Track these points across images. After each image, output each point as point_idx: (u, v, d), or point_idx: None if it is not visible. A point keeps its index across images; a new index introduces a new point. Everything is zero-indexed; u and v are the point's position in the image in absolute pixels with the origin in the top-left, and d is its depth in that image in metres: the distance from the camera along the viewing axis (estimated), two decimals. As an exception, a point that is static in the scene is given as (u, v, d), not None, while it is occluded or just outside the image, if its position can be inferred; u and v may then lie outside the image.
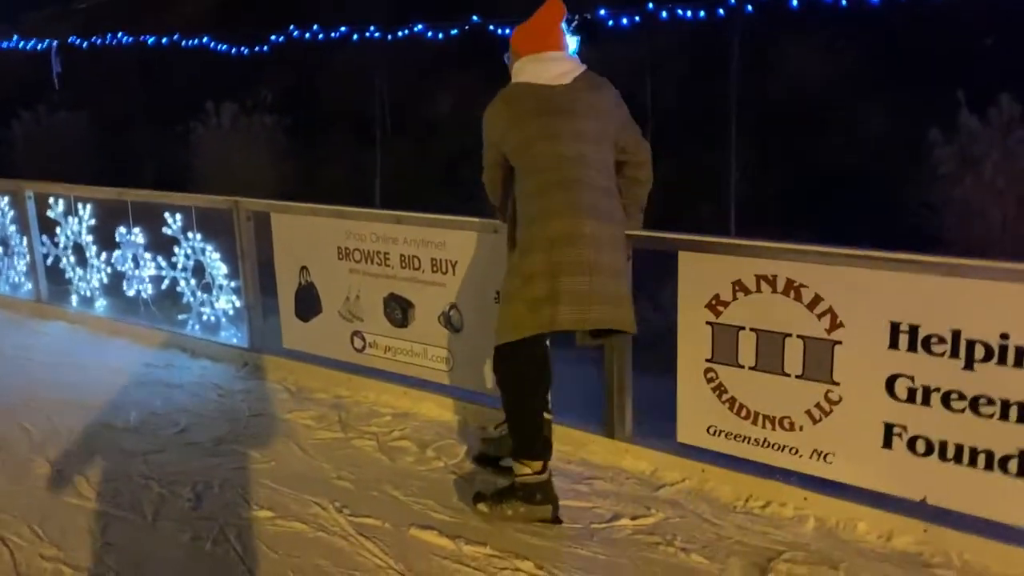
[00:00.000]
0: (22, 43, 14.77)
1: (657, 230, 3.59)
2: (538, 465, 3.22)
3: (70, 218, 6.07)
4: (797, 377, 3.24)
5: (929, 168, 7.41)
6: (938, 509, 3.02)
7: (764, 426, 3.35)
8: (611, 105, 3.28)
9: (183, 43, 13.14)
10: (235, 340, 5.25)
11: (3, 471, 3.84)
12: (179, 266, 5.46)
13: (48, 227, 6.25)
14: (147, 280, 5.70)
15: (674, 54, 9.89)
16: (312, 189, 9.69)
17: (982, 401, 2.89)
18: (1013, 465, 2.87)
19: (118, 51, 14.05)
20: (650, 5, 9.07)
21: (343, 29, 11.50)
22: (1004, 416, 2.85)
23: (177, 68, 13.44)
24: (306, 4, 12.37)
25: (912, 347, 2.98)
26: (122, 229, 5.74)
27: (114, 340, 5.71)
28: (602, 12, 9.13)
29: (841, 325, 3.11)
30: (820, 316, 3.15)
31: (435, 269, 4.20)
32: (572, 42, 3.47)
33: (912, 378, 3.00)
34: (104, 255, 5.95)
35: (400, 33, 10.99)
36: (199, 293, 5.42)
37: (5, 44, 14.94)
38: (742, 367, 3.36)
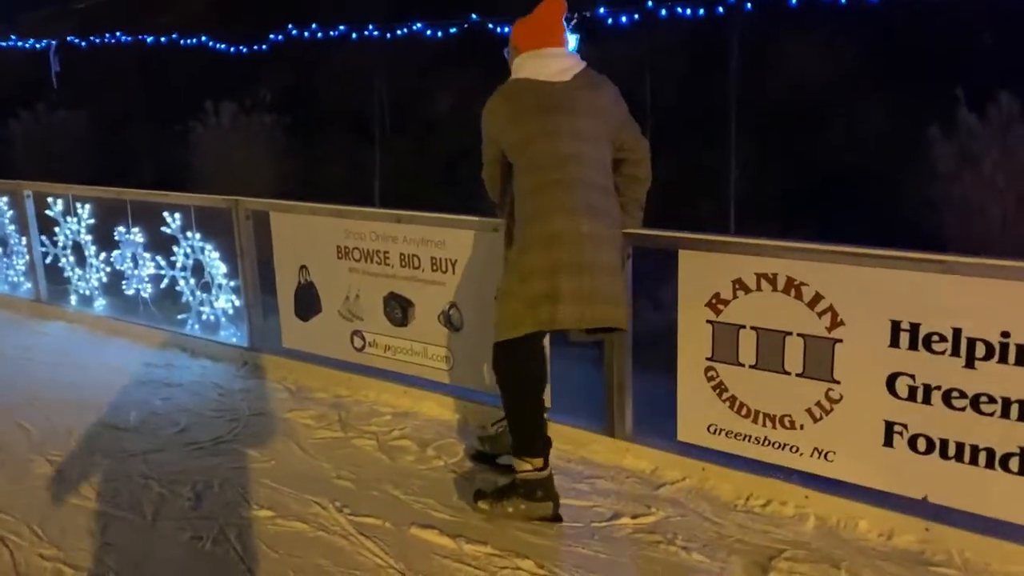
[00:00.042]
0: (20, 42, 14.76)
1: (657, 228, 3.58)
2: (539, 462, 3.22)
3: (69, 217, 6.07)
4: (798, 375, 3.23)
5: (928, 166, 7.41)
6: (939, 507, 3.01)
7: (765, 424, 3.35)
8: (610, 103, 3.28)
9: (182, 42, 13.13)
10: (235, 339, 5.24)
11: (3, 471, 3.84)
12: (178, 265, 5.45)
13: (47, 226, 6.24)
14: (146, 279, 5.69)
15: (673, 52, 9.88)
16: (311, 188, 9.69)
17: (983, 399, 2.88)
18: (1014, 463, 2.86)
19: (117, 50, 14.04)
20: (649, 3, 9.07)
21: (342, 28, 11.49)
22: (1005, 414, 2.85)
23: (176, 67, 13.44)
24: (305, 3, 12.36)
25: (913, 345, 2.98)
26: (121, 228, 5.73)
27: (113, 340, 5.70)
28: (601, 10, 9.12)
29: (842, 323, 3.11)
30: (820, 314, 3.15)
31: (435, 268, 4.19)
32: (571, 40, 3.47)
33: (913, 376, 3.00)
34: (103, 254, 5.95)
35: (399, 32, 10.98)
36: (198, 292, 5.42)
37: (3, 44, 14.92)
38: (742, 366, 3.36)
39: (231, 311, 5.28)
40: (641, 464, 3.64)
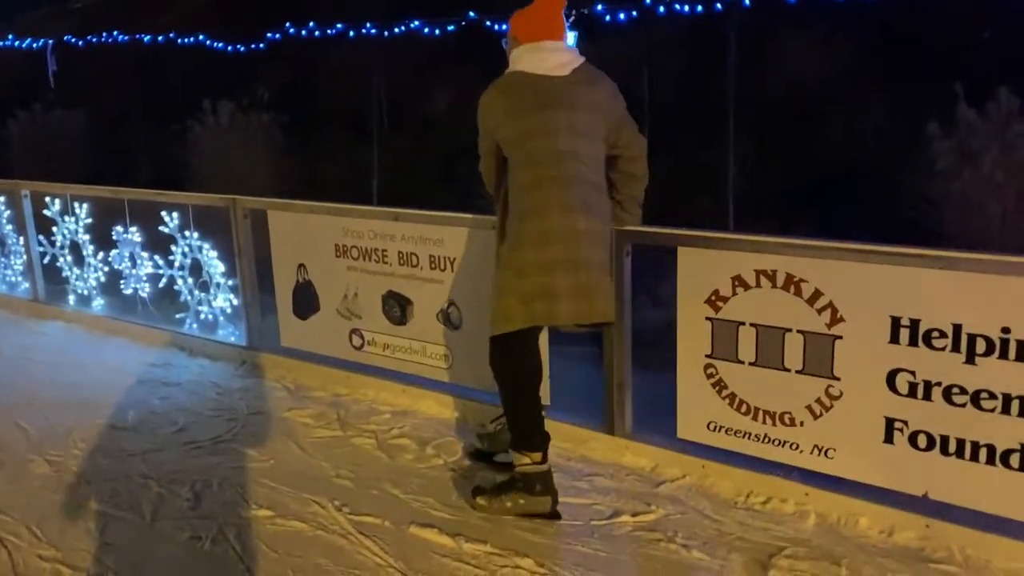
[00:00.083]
0: (18, 42, 14.73)
1: (656, 225, 3.58)
2: (538, 456, 3.23)
3: (67, 217, 6.05)
4: (797, 372, 3.23)
5: (927, 162, 7.39)
6: (940, 504, 3.01)
7: (764, 422, 3.34)
8: (607, 100, 3.28)
9: (179, 41, 13.11)
10: (233, 338, 5.24)
11: (1, 471, 3.83)
12: (176, 264, 5.44)
13: (45, 226, 6.23)
14: (144, 279, 5.68)
15: (672, 49, 9.86)
16: (310, 186, 9.67)
17: (983, 395, 2.88)
18: (1015, 459, 2.86)
19: (114, 49, 14.01)
20: (647, 0, 9.05)
21: (340, 26, 11.47)
22: (1006, 410, 2.84)
23: (173, 66, 13.41)
24: (303, 2, 12.34)
25: (913, 341, 2.97)
26: (119, 228, 5.72)
27: (112, 339, 5.70)
28: (599, 7, 9.11)
29: (841, 320, 3.10)
30: (820, 311, 3.14)
31: (433, 266, 4.18)
32: (570, 37, 3.46)
33: (913, 373, 2.99)
34: (101, 254, 5.94)
35: (397, 30, 10.97)
36: (197, 291, 5.40)
37: (1, 43, 14.90)
38: (742, 363, 3.35)
39: (229, 310, 5.27)
40: (641, 462, 3.64)
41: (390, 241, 4.32)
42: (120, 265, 5.81)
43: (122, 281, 5.81)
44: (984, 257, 2.87)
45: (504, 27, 3.44)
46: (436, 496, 3.45)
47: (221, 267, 5.23)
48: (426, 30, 10.75)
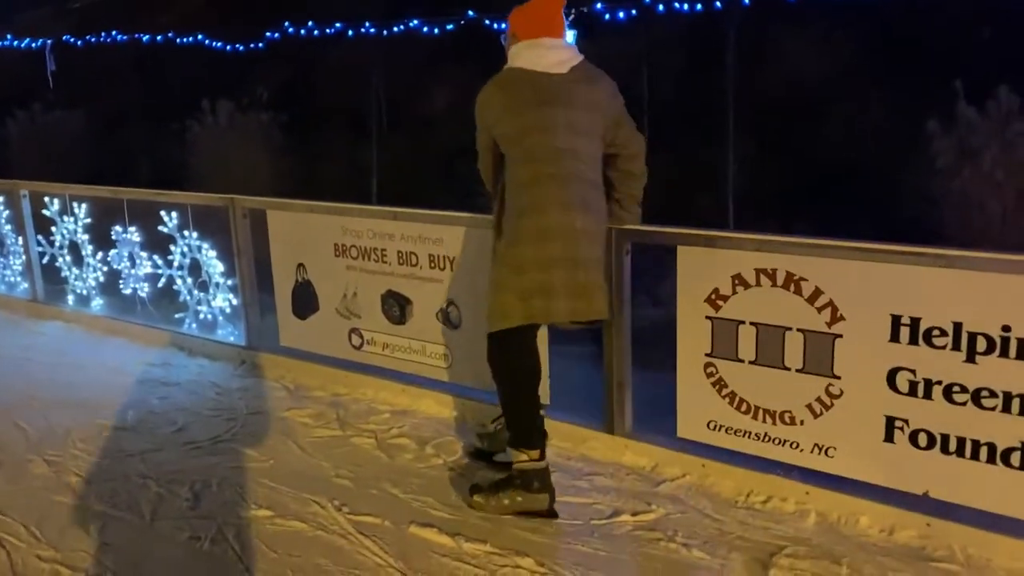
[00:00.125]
0: (17, 42, 14.72)
1: (655, 224, 3.57)
2: (536, 453, 3.23)
3: (66, 217, 6.05)
4: (798, 371, 3.22)
5: (927, 160, 7.39)
6: (941, 503, 3.01)
7: (765, 420, 3.33)
8: (606, 98, 3.27)
9: (178, 41, 13.09)
10: (232, 338, 5.23)
11: (0, 471, 3.82)
12: (175, 264, 5.43)
13: (44, 226, 6.23)
14: (143, 279, 5.68)
15: (671, 47, 9.85)
16: (309, 186, 9.66)
17: (984, 394, 2.87)
18: (1016, 458, 2.85)
19: (113, 49, 14.00)
20: (647, -2, 9.05)
21: (338, 25, 11.45)
22: (1006, 409, 2.84)
23: (172, 66, 13.39)
24: (301, 0, 12.32)
25: (913, 340, 2.97)
26: (118, 228, 5.71)
27: (111, 339, 5.69)
28: (599, 6, 9.09)
29: (842, 318, 3.09)
30: (820, 309, 3.13)
31: (432, 265, 4.18)
32: (569, 36, 3.45)
33: (913, 371, 2.99)
34: (100, 254, 5.93)
35: (396, 29, 10.95)
36: (196, 291, 5.40)
37: (0, 44, 14.89)
38: (742, 361, 3.35)
39: (228, 310, 5.26)
40: (641, 461, 3.63)
41: (389, 240, 4.31)
42: (119, 265, 5.80)
43: (121, 281, 5.80)
44: (984, 255, 2.86)
45: (503, 25, 3.43)
46: (436, 496, 3.44)
47: (220, 267, 5.22)
48: (425, 29, 10.74)
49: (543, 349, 3.68)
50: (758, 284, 3.26)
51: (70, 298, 6.22)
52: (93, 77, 14.07)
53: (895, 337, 3.00)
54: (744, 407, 3.38)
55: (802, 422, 3.25)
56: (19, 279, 6.55)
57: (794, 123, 8.79)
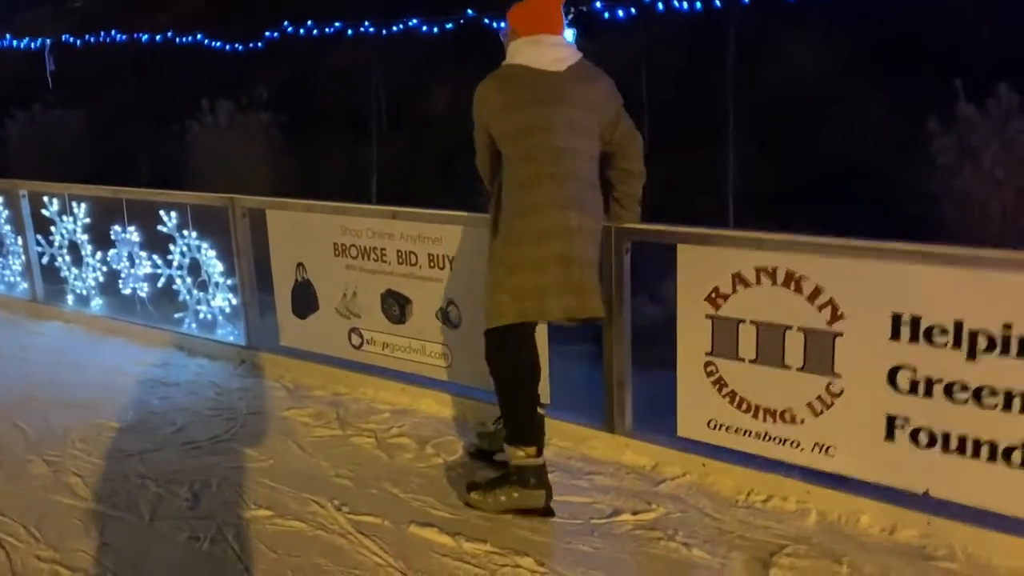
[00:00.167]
0: (16, 42, 14.71)
1: (655, 223, 3.56)
2: (532, 450, 3.23)
3: (65, 217, 6.04)
4: (798, 370, 3.22)
5: (928, 158, 7.38)
6: (941, 501, 3.00)
7: (765, 419, 3.33)
8: (604, 97, 3.27)
9: (177, 40, 13.08)
10: (232, 338, 5.22)
11: (-1, 472, 3.82)
12: (175, 264, 5.42)
13: (43, 226, 6.22)
14: (143, 278, 5.67)
15: (671, 46, 9.85)
16: (308, 185, 9.65)
17: (985, 392, 2.87)
18: (1017, 456, 2.84)
19: (112, 49, 13.99)
20: (646, -3, 9.04)
21: (338, 24, 11.44)
22: (1007, 407, 2.83)
23: (172, 66, 13.39)
24: (301, 0, 12.31)
25: (914, 338, 2.96)
26: (117, 227, 5.71)
27: (110, 339, 5.68)
28: (598, 4, 9.09)
29: (842, 317, 3.09)
30: (821, 308, 3.13)
31: (432, 264, 4.17)
32: (569, 35, 3.44)
33: (914, 369, 2.98)
34: (99, 254, 5.92)
35: (395, 28, 10.95)
36: (195, 291, 5.39)
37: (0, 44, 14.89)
38: (742, 360, 3.34)
39: (228, 309, 5.26)
40: (641, 460, 3.63)
41: (389, 240, 4.31)
42: (118, 265, 5.79)
43: (121, 281, 5.80)
44: (985, 253, 2.86)
45: (503, 24, 3.42)
46: (436, 495, 3.44)
47: (220, 266, 5.22)
48: (424, 28, 10.73)
49: (543, 348, 3.68)
50: (758, 283, 3.26)
51: (69, 298, 6.22)
52: (93, 77, 14.06)
53: (896, 335, 2.99)
54: (744, 406, 3.37)
55: (802, 421, 3.24)
56: (18, 279, 6.54)
57: (794, 122, 8.78)
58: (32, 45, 14.56)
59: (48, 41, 14.35)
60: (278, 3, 12.34)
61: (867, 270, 3.02)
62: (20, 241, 6.35)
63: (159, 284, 5.58)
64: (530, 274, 3.12)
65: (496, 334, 3.24)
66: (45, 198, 6.11)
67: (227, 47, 12.73)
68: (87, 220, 5.94)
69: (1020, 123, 7.10)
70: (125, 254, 5.74)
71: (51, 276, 6.34)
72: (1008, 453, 2.86)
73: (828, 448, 3.21)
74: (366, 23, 11.12)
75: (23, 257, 6.37)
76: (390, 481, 3.57)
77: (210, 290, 5.30)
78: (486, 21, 9.59)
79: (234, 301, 5.19)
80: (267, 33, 12.13)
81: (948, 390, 2.93)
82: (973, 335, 2.86)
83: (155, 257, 5.57)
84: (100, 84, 14.01)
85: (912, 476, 3.04)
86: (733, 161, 8.68)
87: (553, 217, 3.11)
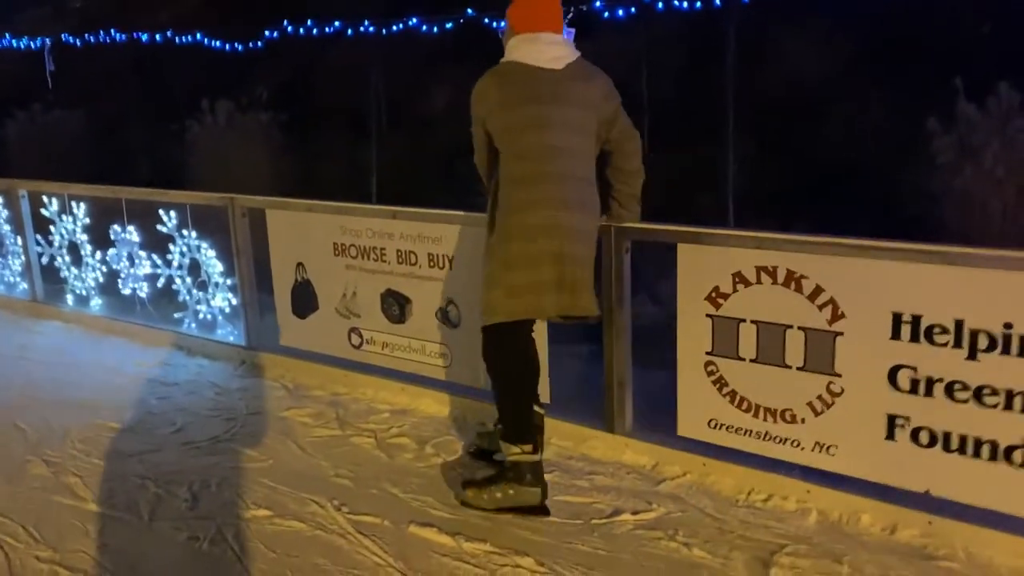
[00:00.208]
0: (15, 42, 14.71)
1: (656, 222, 3.56)
2: (528, 447, 3.22)
3: (64, 217, 6.04)
4: (798, 369, 3.21)
5: (928, 158, 7.38)
6: (942, 501, 3.00)
7: (765, 419, 3.32)
8: (602, 96, 3.26)
9: (177, 40, 13.08)
10: (232, 338, 5.22)
11: (-2, 472, 3.82)
12: (175, 264, 5.42)
13: (43, 226, 6.22)
14: (143, 278, 5.67)
15: (671, 45, 9.84)
16: (308, 185, 9.65)
17: (986, 391, 2.86)
18: (1018, 455, 2.84)
19: (112, 49, 13.99)
20: (646, -3, 9.04)
21: (338, 24, 11.44)
22: (1008, 406, 2.83)
23: (171, 66, 13.39)
24: (300, 0, 12.31)
25: (914, 337, 2.96)
26: (117, 227, 5.70)
27: (110, 339, 5.68)
28: (598, 3, 9.08)
29: (842, 316, 3.08)
30: (821, 307, 3.12)
31: (432, 264, 4.17)
32: (570, 34, 3.43)
33: (915, 369, 2.98)
34: (99, 254, 5.92)
35: (395, 28, 10.94)
36: (195, 291, 5.39)
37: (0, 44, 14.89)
38: (743, 359, 3.33)
39: (228, 309, 5.25)
40: (641, 460, 3.62)
41: (388, 239, 4.30)
42: (118, 265, 5.79)
43: (120, 281, 5.79)
44: (986, 252, 2.85)
45: (502, 24, 3.42)
46: (436, 495, 3.43)
47: (219, 266, 5.21)
48: (424, 28, 10.72)
49: (543, 348, 3.68)
50: (759, 282, 3.25)
51: (69, 298, 6.21)
52: (92, 77, 14.06)
53: (896, 335, 2.99)
54: (745, 405, 3.36)
55: (803, 420, 3.24)
56: (18, 279, 6.54)
57: (794, 122, 8.78)
58: (32, 45, 14.55)
59: (48, 41, 14.34)
60: (278, 3, 12.34)
61: (867, 269, 3.01)
62: (20, 241, 6.34)
63: (159, 284, 5.57)
64: (524, 271, 3.13)
65: (491, 330, 3.25)
66: (45, 198, 6.10)
67: (227, 47, 12.73)
68: (87, 220, 5.94)
69: (1020, 122, 7.10)
70: (125, 254, 5.73)
71: (51, 276, 6.34)
72: (1009, 452, 2.85)
73: (829, 447, 3.20)
74: (366, 23, 11.12)
75: (23, 257, 6.37)
76: (390, 481, 3.57)
77: (210, 290, 5.29)
78: (486, 21, 9.58)
79: (234, 301, 5.19)
80: (267, 33, 12.13)
81: (949, 389, 2.93)
82: (974, 334, 2.85)
83: (155, 257, 5.57)
84: (100, 84, 14.00)
85: (913, 475, 3.04)
86: (733, 160, 8.68)
87: (547, 215, 3.11)
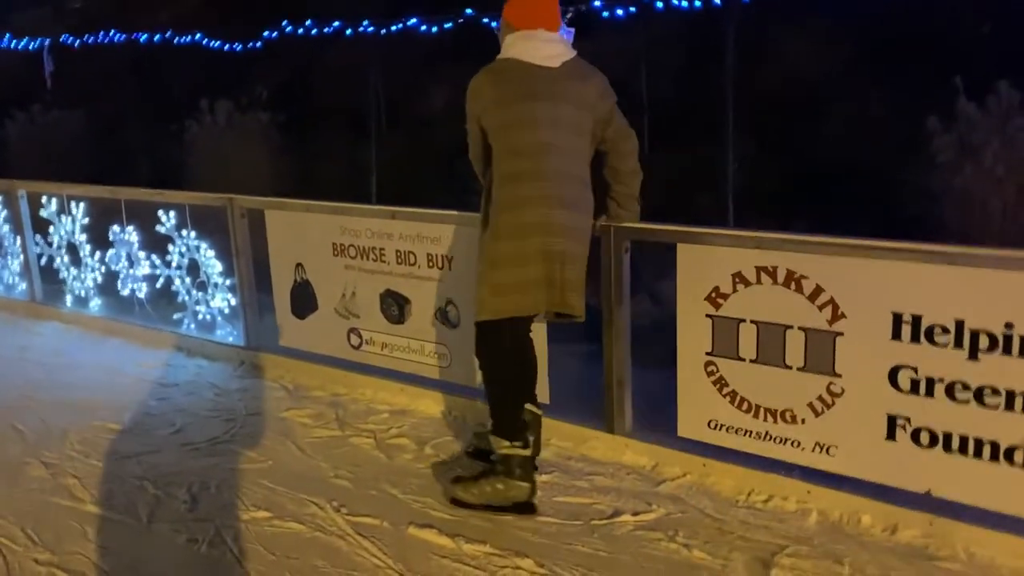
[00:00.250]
0: (14, 43, 14.70)
1: (655, 222, 3.55)
2: (519, 443, 3.22)
3: (63, 217, 6.03)
4: (799, 369, 3.20)
5: (928, 157, 7.36)
6: (943, 501, 2.99)
7: (766, 419, 3.31)
8: (597, 96, 3.26)
9: (176, 40, 13.07)
10: (231, 339, 5.21)
11: (-3, 474, 3.81)
12: (174, 264, 5.41)
13: (42, 227, 6.21)
14: (141, 279, 5.66)
15: (670, 44, 9.84)
16: (308, 185, 9.63)
17: (987, 392, 2.85)
18: (1019, 456, 2.83)
19: (111, 49, 13.98)
20: (645, -4, 9.03)
21: (337, 24, 11.43)
22: (1009, 406, 2.82)
23: (170, 66, 13.38)
24: (299, 0, 12.30)
25: (915, 338, 2.95)
26: (116, 228, 5.69)
27: (109, 340, 5.67)
28: (597, 3, 9.07)
29: (843, 316, 3.07)
30: (821, 307, 3.11)
31: (431, 264, 4.16)
32: (568, 34, 3.42)
33: (915, 369, 2.97)
34: (98, 254, 5.91)
35: (394, 28, 10.93)
36: (194, 291, 5.38)
37: (-1, 44, 14.89)
38: (743, 360, 3.33)
39: (227, 310, 5.24)
40: (641, 460, 3.61)
41: (387, 240, 4.29)
42: (117, 265, 5.78)
43: (119, 281, 5.78)
44: (986, 252, 2.84)
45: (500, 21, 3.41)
46: (435, 496, 3.42)
47: (219, 267, 5.20)
48: (423, 28, 10.72)
49: (543, 348, 3.67)
50: (759, 282, 3.24)
51: (68, 299, 6.20)
52: (92, 77, 14.05)
53: (896, 335, 2.98)
54: (745, 406, 3.36)
55: (803, 421, 3.23)
56: (17, 280, 6.53)
57: (794, 122, 8.77)
58: (31, 45, 14.55)
59: (47, 41, 14.34)
60: (277, 3, 12.33)
61: (867, 269, 3.01)
62: (19, 241, 6.33)
63: (158, 285, 5.56)
64: (511, 269, 3.14)
65: (483, 327, 3.26)
66: (44, 198, 6.09)
67: (226, 47, 12.72)
68: (85, 220, 5.93)
69: (1021, 121, 7.08)
70: (124, 254, 5.72)
71: (50, 276, 6.33)
72: (1010, 453, 2.84)
73: (829, 448, 3.20)
74: (365, 23, 11.11)
75: (21, 257, 6.36)
76: (389, 482, 3.56)
77: (209, 290, 5.29)
78: (485, 21, 9.57)
79: (233, 301, 5.18)
80: (266, 33, 12.12)
81: (949, 390, 2.92)
82: (974, 334, 2.85)
83: (154, 257, 5.56)
84: (99, 84, 13.99)
85: (914, 476, 3.03)
86: (733, 160, 8.66)
87: (537, 212, 3.12)
